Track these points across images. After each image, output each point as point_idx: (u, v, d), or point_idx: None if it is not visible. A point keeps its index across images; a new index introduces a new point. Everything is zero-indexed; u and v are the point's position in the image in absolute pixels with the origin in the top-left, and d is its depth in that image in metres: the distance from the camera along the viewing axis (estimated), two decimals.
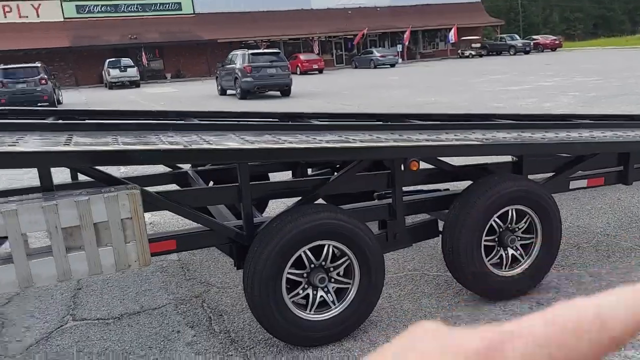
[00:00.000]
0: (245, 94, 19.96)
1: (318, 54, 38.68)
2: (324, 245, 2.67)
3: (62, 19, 37.30)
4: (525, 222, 3.16)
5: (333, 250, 2.70)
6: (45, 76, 20.46)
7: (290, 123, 3.58)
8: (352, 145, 2.73)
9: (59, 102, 21.92)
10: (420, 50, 45.90)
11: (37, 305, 3.26)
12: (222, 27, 38.31)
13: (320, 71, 36.47)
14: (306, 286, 2.69)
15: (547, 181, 3.47)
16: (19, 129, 2.73)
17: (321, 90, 22.64)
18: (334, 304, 2.75)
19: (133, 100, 21.07)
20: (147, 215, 4.99)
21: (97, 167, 2.50)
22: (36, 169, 2.47)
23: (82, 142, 2.49)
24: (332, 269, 2.73)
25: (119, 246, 2.28)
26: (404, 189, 4.12)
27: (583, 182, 3.57)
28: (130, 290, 3.47)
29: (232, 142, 2.74)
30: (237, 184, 2.72)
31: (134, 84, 32.41)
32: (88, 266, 2.28)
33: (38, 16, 36.60)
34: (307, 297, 2.70)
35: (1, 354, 2.68)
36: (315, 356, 2.64)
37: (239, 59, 20.74)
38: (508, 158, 3.54)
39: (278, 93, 21.12)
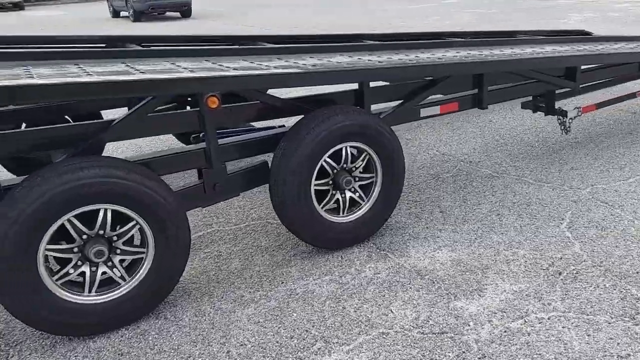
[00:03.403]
0: (139, 16, 18.12)
1: None
2: (98, 210, 2.13)
3: None
4: (363, 160, 2.77)
5: (113, 215, 2.17)
6: None
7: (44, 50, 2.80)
8: (120, 79, 2.11)
9: None
10: None
11: None
12: None
13: None
14: (80, 263, 2.17)
15: (393, 111, 3.05)
16: None
17: (227, 10, 21.03)
18: (124, 280, 2.26)
19: (5, 25, 18.49)
20: None
21: None
22: None
23: None
24: (115, 238, 2.21)
25: None
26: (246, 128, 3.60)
27: (435, 109, 3.19)
28: None
29: None
30: None
31: (16, 6, 28.68)
32: None
33: None
34: (83, 275, 2.18)
35: None
36: (96, 347, 2.17)
37: None
38: (354, 87, 3.06)
39: (178, 14, 19.37)
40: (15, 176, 3.38)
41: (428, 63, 2.88)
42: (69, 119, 3.48)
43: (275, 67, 2.58)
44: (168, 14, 19.39)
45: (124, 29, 15.79)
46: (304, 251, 2.84)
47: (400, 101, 3.14)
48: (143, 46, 3.49)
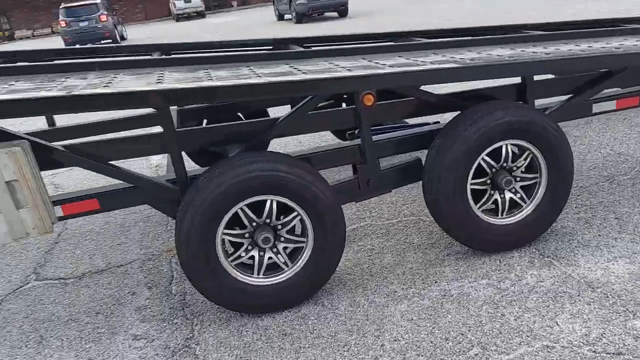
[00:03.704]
0: (301, 18, 19.17)
1: None
2: (265, 201, 2.33)
3: None
4: (525, 159, 2.59)
5: (278, 206, 2.35)
6: (105, 12, 20.54)
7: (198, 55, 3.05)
8: (285, 80, 2.27)
9: (123, 38, 22.32)
10: None
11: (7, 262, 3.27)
12: None
13: None
14: (250, 247, 2.40)
15: (561, 106, 2.80)
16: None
17: (382, 7, 21.16)
18: (287, 266, 2.44)
19: (191, 31, 20.99)
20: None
21: None
22: None
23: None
24: (280, 226, 2.40)
25: (10, 213, 2.07)
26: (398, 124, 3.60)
27: (611, 104, 2.85)
28: (106, 243, 3.38)
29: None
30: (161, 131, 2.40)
31: (199, 15, 32.33)
32: None
33: None
34: (252, 259, 2.41)
35: None
36: (264, 325, 2.38)
37: None
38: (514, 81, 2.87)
39: (335, 14, 20.06)
40: (199, 167, 3.85)
41: (604, 53, 2.57)
42: (241, 116, 3.84)
43: (431, 63, 2.55)
44: (326, 14, 20.18)
45: (286, 31, 16.84)
46: (458, 252, 2.76)
47: (569, 95, 2.86)
48: (304, 47, 3.70)
